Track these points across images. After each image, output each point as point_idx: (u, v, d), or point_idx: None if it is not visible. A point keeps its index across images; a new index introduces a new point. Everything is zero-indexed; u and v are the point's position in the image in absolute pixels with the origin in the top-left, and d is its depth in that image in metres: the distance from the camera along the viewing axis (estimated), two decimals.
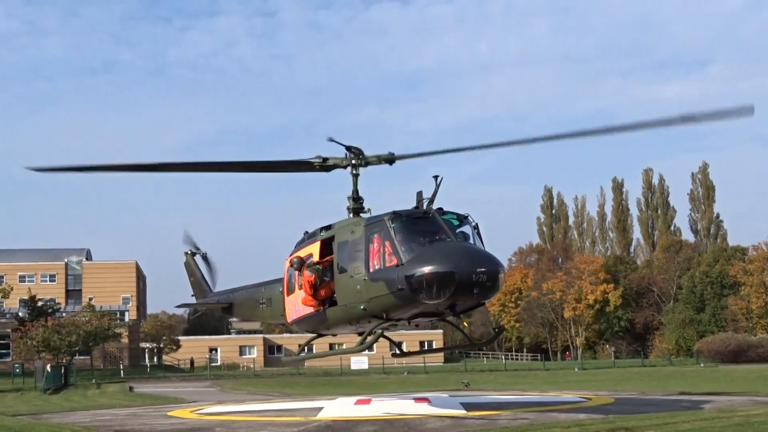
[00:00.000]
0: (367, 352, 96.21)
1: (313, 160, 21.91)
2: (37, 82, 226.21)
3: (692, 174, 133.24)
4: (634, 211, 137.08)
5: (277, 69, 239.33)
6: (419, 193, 19.98)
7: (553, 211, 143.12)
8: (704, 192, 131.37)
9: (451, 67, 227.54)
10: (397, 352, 25.19)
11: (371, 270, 19.38)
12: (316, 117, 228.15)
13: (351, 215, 21.89)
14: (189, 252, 33.61)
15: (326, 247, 21.51)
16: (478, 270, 18.15)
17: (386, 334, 21.74)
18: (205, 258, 33.73)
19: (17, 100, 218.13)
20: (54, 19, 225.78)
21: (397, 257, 18.75)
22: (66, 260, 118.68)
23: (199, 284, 33.12)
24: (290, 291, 23.03)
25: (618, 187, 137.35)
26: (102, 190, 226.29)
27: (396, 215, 19.40)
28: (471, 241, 19.79)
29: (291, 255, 23.34)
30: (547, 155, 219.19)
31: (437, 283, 18.09)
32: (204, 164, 23.69)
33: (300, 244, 23.39)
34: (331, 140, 20.90)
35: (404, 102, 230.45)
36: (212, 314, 39.10)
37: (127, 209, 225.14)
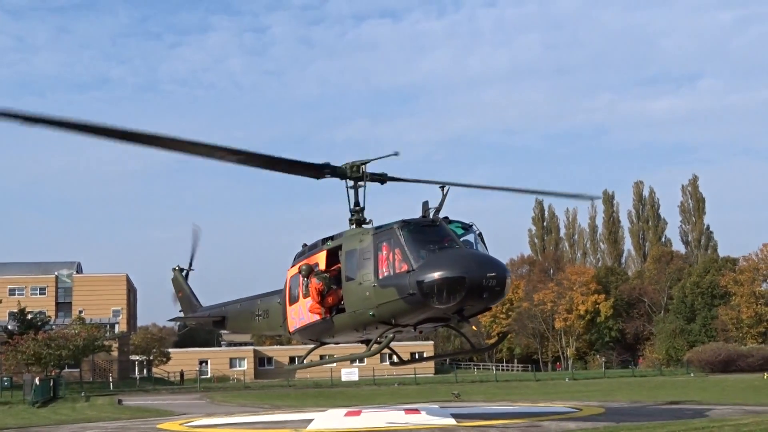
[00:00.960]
0: (357, 363, 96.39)
1: (322, 165, 22.08)
2: (27, 97, 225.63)
3: (682, 186, 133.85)
4: (625, 223, 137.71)
5: (268, 84, 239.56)
6: (425, 203, 20.70)
7: (545, 223, 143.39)
8: (694, 204, 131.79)
9: (443, 82, 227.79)
10: (396, 360, 25.52)
11: (380, 276, 19.92)
12: (308, 131, 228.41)
13: (353, 226, 22.42)
14: (177, 268, 33.74)
15: (332, 257, 21.97)
16: (488, 275, 18.80)
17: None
18: (187, 275, 33.79)
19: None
20: (44, 35, 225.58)
21: (408, 264, 19.27)
22: (56, 273, 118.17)
23: (188, 299, 33.26)
24: (293, 301, 23.31)
25: (609, 200, 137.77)
26: (93, 203, 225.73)
27: (405, 223, 20.02)
28: (476, 248, 20.28)
29: (292, 266, 23.65)
30: (539, 169, 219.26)
31: (448, 288, 18.67)
32: (218, 148, 20.21)
33: (301, 256, 23.62)
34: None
35: (396, 116, 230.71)
36: (203, 328, 38.87)
37: (117, 222, 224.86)
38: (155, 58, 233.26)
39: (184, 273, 33.83)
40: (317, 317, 21.99)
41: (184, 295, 33.45)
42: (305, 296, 22.38)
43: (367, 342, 22.90)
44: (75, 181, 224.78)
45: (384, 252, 20.03)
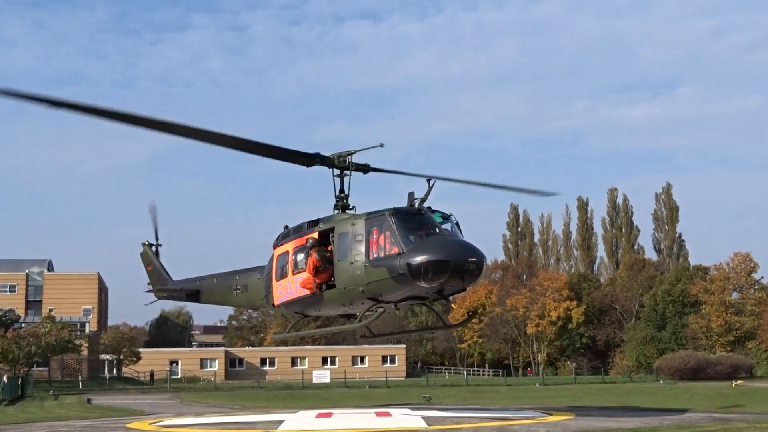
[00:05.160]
0: (329, 365, 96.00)
1: (313, 154, 24.07)
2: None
3: (656, 194, 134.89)
4: (598, 230, 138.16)
5: (247, 84, 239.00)
6: (411, 194, 22.60)
7: (519, 229, 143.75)
8: (668, 212, 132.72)
9: (422, 85, 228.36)
10: (367, 334, 27.15)
11: (372, 257, 22.06)
12: (286, 132, 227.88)
13: (338, 211, 24.49)
14: (146, 243, 34.03)
15: (324, 238, 23.66)
16: (469, 260, 21.22)
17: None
18: (157, 252, 34.00)
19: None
20: (20, 29, 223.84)
21: (398, 247, 21.48)
22: (27, 271, 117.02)
23: (157, 273, 33.85)
24: (281, 276, 25.10)
25: (583, 206, 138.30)
26: (65, 200, 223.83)
27: (396, 211, 22.09)
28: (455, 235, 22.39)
29: (278, 246, 25.50)
30: (515, 174, 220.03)
31: (434, 270, 21.00)
32: (211, 134, 22.36)
33: (286, 237, 25.39)
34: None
35: (374, 118, 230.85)
36: (175, 300, 39.01)
37: (90, 221, 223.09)
38: (133, 55, 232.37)
39: (153, 248, 33.99)
40: (307, 291, 23.85)
41: (154, 269, 33.85)
42: (295, 272, 24.32)
43: (347, 316, 25.74)
44: (48, 178, 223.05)
45: (375, 236, 22.12)
